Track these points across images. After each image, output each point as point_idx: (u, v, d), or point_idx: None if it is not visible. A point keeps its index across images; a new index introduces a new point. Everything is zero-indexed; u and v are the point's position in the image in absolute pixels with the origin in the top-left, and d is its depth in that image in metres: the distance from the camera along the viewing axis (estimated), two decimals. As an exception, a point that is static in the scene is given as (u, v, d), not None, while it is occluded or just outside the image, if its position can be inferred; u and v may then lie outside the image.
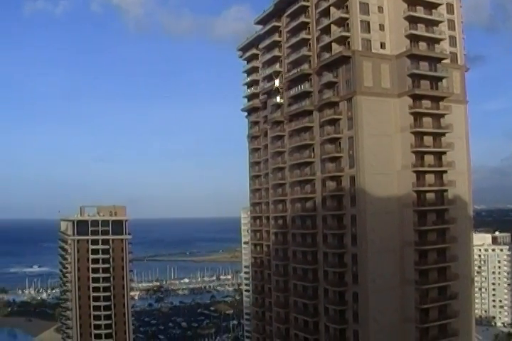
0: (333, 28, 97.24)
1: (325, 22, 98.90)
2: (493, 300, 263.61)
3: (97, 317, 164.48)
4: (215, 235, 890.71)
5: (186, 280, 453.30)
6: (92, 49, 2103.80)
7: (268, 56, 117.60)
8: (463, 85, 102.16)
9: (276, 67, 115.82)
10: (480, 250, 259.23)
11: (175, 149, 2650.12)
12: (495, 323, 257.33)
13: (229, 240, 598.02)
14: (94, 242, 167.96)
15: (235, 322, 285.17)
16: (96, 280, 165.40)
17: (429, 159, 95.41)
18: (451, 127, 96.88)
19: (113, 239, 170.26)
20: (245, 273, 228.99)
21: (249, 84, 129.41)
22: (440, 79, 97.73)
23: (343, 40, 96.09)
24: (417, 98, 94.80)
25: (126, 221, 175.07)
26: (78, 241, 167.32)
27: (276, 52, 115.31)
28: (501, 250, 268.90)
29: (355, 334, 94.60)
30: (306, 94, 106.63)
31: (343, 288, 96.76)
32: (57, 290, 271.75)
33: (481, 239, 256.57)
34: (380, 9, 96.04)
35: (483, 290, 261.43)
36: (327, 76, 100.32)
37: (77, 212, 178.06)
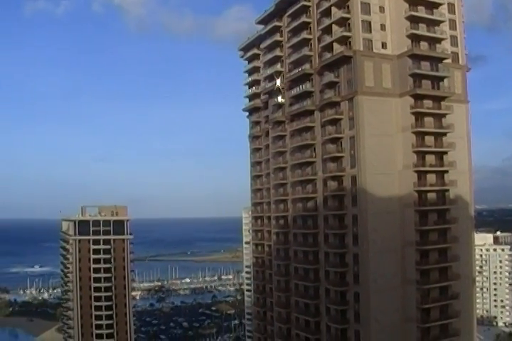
0: (335, 27, 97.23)
1: (326, 22, 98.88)
2: (495, 300, 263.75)
3: (99, 317, 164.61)
4: (216, 235, 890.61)
5: (187, 280, 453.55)
6: (93, 49, 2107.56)
7: (269, 56, 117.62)
8: (464, 85, 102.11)
9: (278, 67, 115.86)
10: (481, 250, 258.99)
11: (176, 149, 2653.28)
12: (496, 323, 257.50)
13: (230, 240, 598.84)
14: (96, 242, 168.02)
15: (237, 322, 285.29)
16: (97, 280, 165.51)
17: (430, 159, 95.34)
18: (453, 127, 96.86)
19: (114, 239, 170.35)
20: (246, 273, 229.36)
21: (251, 84, 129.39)
22: (441, 79, 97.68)
23: (344, 40, 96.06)
24: (418, 98, 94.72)
25: (127, 221, 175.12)
26: (79, 241, 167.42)
27: (277, 52, 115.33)
28: (503, 250, 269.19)
29: (356, 334, 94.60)
30: (308, 94, 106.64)
31: (345, 287, 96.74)
32: (59, 290, 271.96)
33: (482, 239, 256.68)
34: (382, 9, 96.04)
35: (484, 290, 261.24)
36: (328, 76, 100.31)
37: (78, 212, 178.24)
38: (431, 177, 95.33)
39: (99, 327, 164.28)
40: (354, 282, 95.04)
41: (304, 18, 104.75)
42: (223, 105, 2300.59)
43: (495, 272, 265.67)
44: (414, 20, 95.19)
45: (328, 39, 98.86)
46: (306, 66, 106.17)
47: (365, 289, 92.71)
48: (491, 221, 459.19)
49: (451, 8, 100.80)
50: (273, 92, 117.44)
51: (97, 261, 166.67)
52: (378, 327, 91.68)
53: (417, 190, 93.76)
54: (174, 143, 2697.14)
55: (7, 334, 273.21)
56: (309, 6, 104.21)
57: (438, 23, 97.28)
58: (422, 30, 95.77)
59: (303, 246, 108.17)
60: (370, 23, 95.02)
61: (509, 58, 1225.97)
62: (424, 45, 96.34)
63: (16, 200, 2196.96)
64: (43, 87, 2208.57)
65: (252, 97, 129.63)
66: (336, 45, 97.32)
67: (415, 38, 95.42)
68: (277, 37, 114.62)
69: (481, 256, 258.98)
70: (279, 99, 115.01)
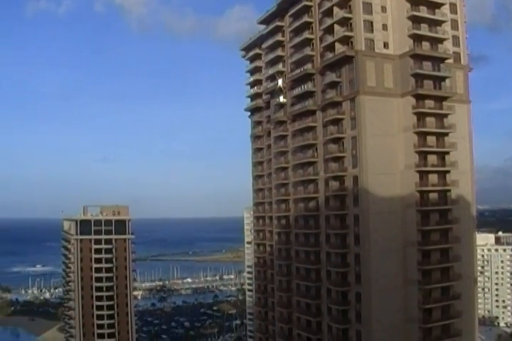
0: (337, 27, 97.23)
1: (328, 22, 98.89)
2: (496, 301, 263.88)
3: (100, 317, 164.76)
4: (218, 235, 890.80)
5: (189, 279, 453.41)
6: (95, 49, 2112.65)
7: (271, 56, 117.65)
8: (466, 85, 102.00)
9: (280, 66, 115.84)
10: (483, 250, 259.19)
11: (177, 149, 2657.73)
12: (498, 323, 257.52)
13: (231, 240, 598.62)
14: (97, 242, 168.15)
15: (238, 321, 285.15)
16: (99, 279, 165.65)
17: (432, 159, 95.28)
18: (455, 127, 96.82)
19: (116, 239, 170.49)
20: (248, 272, 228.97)
21: (253, 84, 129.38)
22: (443, 79, 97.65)
23: (346, 40, 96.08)
24: (420, 98, 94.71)
25: (129, 220, 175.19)
26: (81, 240, 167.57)
27: (279, 52, 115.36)
28: (504, 250, 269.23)
29: (357, 334, 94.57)
30: (309, 94, 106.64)
31: (346, 288, 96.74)
32: (60, 289, 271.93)
33: (484, 239, 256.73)
34: (384, 9, 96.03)
35: (486, 290, 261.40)
36: (330, 76, 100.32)
37: (80, 211, 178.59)
38: (433, 178, 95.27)
39: (100, 326, 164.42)
40: (356, 282, 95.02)
41: (305, 18, 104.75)
42: (225, 105, 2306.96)
43: (496, 272, 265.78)
44: (416, 20, 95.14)
45: (330, 39, 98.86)
46: (308, 66, 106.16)
47: (367, 289, 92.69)
48: (493, 221, 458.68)
49: (453, 8, 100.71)
50: (275, 92, 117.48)
51: (98, 260, 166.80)
52: (380, 327, 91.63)
53: (418, 190, 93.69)
54: (176, 143, 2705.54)
55: (9, 334, 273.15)
56: (311, 6, 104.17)
57: (440, 23, 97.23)
58: (424, 30, 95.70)
59: (304, 246, 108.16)
60: (372, 22, 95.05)
61: (511, 58, 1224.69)
62: (426, 45, 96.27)
63: (18, 200, 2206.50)
64: (45, 87, 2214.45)
65: (253, 97, 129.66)
66: (337, 45, 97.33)
67: (417, 38, 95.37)
68: (279, 37, 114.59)
69: (482, 256, 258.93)
70: (281, 98, 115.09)
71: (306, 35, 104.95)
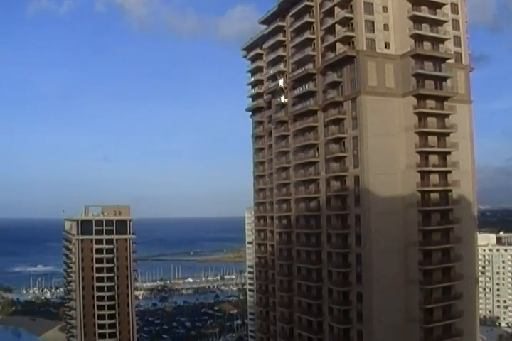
0: (338, 27, 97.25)
1: (329, 22, 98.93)
2: (498, 301, 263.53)
3: (101, 317, 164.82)
4: (219, 235, 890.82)
5: (190, 279, 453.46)
6: (96, 49, 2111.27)
7: (272, 56, 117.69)
8: (467, 85, 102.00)
9: (281, 66, 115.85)
10: (484, 250, 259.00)
11: (178, 149, 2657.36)
12: (499, 323, 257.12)
13: (232, 240, 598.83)
14: (99, 242, 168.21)
15: (239, 321, 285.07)
16: (100, 279, 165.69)
17: (433, 159, 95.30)
18: (456, 127, 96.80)
19: (117, 239, 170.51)
20: (249, 272, 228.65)
21: (254, 84, 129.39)
22: (444, 79, 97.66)
23: (347, 40, 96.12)
24: (421, 98, 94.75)
25: (130, 220, 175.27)
26: (82, 240, 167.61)
27: (280, 52, 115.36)
28: (506, 250, 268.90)
29: (359, 334, 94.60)
30: (311, 94, 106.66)
31: (347, 287, 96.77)
32: (62, 289, 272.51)
33: (485, 239, 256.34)
34: (385, 9, 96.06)
35: (487, 290, 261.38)
36: (331, 76, 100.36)
37: (81, 211, 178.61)
38: (434, 178, 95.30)
39: (101, 326, 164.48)
40: (357, 282, 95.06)
41: (307, 18, 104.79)
42: (226, 105, 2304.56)
43: (498, 272, 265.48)
44: (417, 20, 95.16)
45: (331, 39, 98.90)
46: (309, 66, 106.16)
47: (368, 289, 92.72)
48: (494, 221, 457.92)
49: (454, 8, 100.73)
50: (276, 92, 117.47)
51: (99, 260, 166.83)
52: (381, 327, 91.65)
53: (420, 190, 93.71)
54: (177, 142, 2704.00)
55: (10, 334, 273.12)
56: (312, 6, 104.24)
57: (441, 23, 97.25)
58: (425, 30, 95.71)
59: (306, 246, 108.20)
60: (373, 22, 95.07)
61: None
62: (427, 45, 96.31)
63: (19, 200, 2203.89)
64: (45, 87, 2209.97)
65: (255, 97, 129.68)
66: (339, 45, 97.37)
67: (418, 38, 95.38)
68: (280, 37, 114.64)
69: (484, 256, 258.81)
70: (282, 98, 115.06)
71: (308, 35, 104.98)
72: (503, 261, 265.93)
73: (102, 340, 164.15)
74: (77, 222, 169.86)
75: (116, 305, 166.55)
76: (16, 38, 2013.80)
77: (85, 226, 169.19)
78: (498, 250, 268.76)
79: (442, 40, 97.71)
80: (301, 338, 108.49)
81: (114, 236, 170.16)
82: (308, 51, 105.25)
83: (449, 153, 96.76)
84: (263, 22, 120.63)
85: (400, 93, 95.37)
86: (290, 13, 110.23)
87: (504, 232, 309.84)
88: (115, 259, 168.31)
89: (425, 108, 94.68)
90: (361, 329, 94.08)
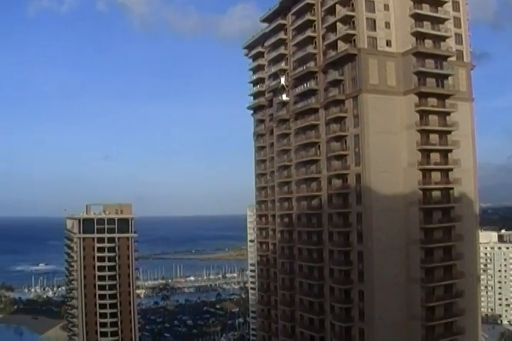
0: (339, 25, 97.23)
1: (331, 20, 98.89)
2: (499, 299, 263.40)
3: (103, 315, 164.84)
4: (221, 233, 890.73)
5: (192, 278, 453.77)
6: (97, 48, 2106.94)
7: (274, 54, 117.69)
8: (469, 83, 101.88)
9: (282, 65, 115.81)
10: (486, 248, 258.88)
11: (179, 147, 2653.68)
12: (501, 321, 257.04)
13: (234, 238, 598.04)
14: (100, 240, 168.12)
15: (241, 320, 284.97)
16: (102, 278, 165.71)
17: (435, 157, 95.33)
18: (457, 125, 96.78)
19: (119, 237, 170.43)
20: (251, 271, 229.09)
21: (255, 82, 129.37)
22: (446, 76, 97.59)
23: (348, 38, 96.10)
24: (422, 96, 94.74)
25: (132, 219, 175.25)
26: (84, 239, 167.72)
27: (281, 50, 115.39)
28: (507, 248, 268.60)
29: (360, 332, 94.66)
30: (312, 92, 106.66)
31: (349, 286, 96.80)
32: (63, 288, 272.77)
33: (487, 237, 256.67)
34: (386, 7, 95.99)
35: (489, 288, 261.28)
36: (333, 74, 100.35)
37: (83, 210, 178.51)
38: (435, 175, 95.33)
39: (103, 325, 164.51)
40: (358, 280, 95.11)
41: (308, 16, 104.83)
42: (228, 103, 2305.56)
43: (499, 270, 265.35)
44: (418, 18, 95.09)
45: (332, 37, 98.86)
46: (311, 64, 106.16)
47: (370, 287, 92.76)
48: (496, 219, 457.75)
49: (456, 5, 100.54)
50: (277, 90, 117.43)
51: (101, 259, 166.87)
52: (383, 325, 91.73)
53: (421, 188, 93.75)
54: (178, 141, 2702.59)
55: (12, 332, 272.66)
56: (313, 4, 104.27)
57: (442, 20, 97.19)
58: (427, 28, 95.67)
59: (307, 244, 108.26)
60: (374, 20, 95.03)
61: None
62: (428, 42, 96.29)
63: (20, 198, 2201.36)
64: (47, 86, 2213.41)
65: (256, 95, 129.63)
66: (340, 43, 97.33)
67: (420, 36, 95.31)
68: (282, 35, 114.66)
69: (485, 254, 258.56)
70: (284, 97, 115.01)
71: (309, 33, 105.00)
72: (505, 259, 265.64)
73: (104, 339, 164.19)
74: (79, 220, 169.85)
75: (118, 304, 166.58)
76: (18, 37, 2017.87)
77: (87, 224, 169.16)
78: (499, 248, 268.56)
79: (444, 38, 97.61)
80: (303, 336, 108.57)
81: (116, 235, 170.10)
82: (310, 49, 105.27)
83: (450, 150, 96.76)
84: (264, 20, 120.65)
85: (401, 91, 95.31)
86: (291, 11, 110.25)
87: (506, 230, 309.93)
88: (117, 258, 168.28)
89: (427, 106, 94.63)
90: (363, 328, 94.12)
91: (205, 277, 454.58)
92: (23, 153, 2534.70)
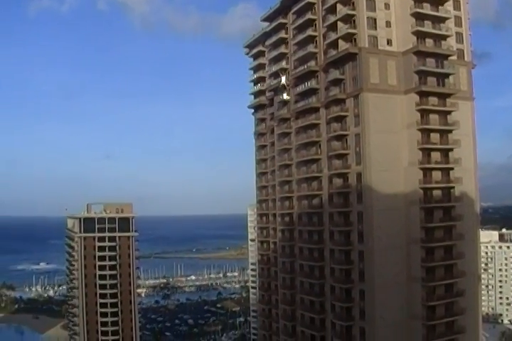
0: (340, 24, 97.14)
1: (331, 19, 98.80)
2: (500, 298, 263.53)
3: (104, 314, 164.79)
4: (221, 232, 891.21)
5: (193, 277, 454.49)
6: (98, 47, 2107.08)
7: (274, 53, 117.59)
8: (470, 82, 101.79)
9: (283, 64, 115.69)
10: (487, 247, 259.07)
11: (180, 147, 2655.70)
12: (502, 320, 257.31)
13: (235, 237, 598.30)
14: (101, 239, 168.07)
15: (242, 319, 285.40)
16: (103, 277, 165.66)
17: (435, 156, 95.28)
18: (458, 124, 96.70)
19: (120, 236, 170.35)
20: (252, 270, 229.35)
21: (256, 81, 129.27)
22: (447, 75, 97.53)
23: (349, 37, 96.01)
24: (423, 95, 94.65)
25: (132, 218, 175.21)
26: (85, 238, 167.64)
27: (282, 49, 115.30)
28: (508, 247, 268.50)
29: (361, 331, 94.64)
30: (313, 91, 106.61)
31: (350, 285, 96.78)
32: (64, 287, 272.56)
33: (487, 236, 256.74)
34: (387, 6, 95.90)
35: (490, 287, 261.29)
36: (334, 73, 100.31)
37: (83, 209, 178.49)
38: (436, 175, 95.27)
39: (104, 324, 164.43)
40: (359, 279, 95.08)
41: (309, 15, 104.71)
42: (228, 102, 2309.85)
43: (500, 269, 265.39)
44: (419, 17, 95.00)
45: (333, 36, 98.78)
46: (312, 63, 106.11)
47: (371, 286, 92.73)
48: (497, 218, 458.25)
49: (457, 4, 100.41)
50: (278, 89, 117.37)
51: (102, 258, 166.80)
52: (383, 324, 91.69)
53: (422, 187, 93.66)
54: (179, 140, 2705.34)
55: (13, 332, 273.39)
56: (314, 3, 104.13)
57: (443, 19, 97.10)
58: (428, 27, 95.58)
59: (308, 243, 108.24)
60: (375, 19, 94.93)
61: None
62: (429, 42, 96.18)
63: (21, 198, 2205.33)
64: (48, 86, 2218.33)
65: (257, 94, 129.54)
66: (341, 42, 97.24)
67: (420, 35, 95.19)
68: (282, 34, 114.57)
69: (486, 253, 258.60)
70: (285, 96, 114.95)
71: (310, 32, 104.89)
72: (506, 258, 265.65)
73: (105, 337, 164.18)
74: (80, 219, 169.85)
75: (119, 303, 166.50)
76: (18, 37, 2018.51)
77: (88, 223, 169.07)
78: (500, 247, 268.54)
79: (444, 37, 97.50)
80: (304, 335, 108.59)
81: (117, 234, 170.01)
82: (311, 48, 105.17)
83: (451, 150, 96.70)
84: (265, 19, 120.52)
85: (402, 90, 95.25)
86: (292, 11, 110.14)
87: (506, 229, 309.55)
88: (118, 257, 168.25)
89: (427, 105, 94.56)
90: (364, 327, 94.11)
91: (205, 276, 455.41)
92: (24, 152, 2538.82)
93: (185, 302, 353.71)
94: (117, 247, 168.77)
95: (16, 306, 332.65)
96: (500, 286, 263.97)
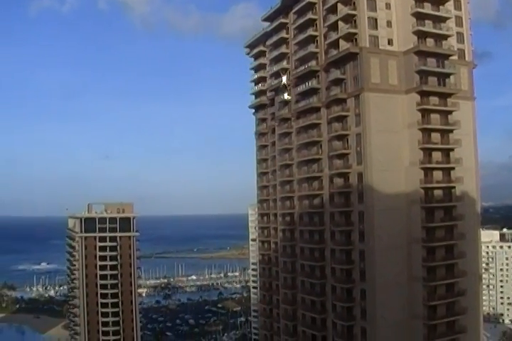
0: (341, 24, 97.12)
1: (332, 19, 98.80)
2: (501, 297, 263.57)
3: (105, 314, 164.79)
4: (222, 232, 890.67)
5: (194, 277, 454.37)
6: (98, 47, 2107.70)
7: (275, 53, 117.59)
8: (470, 82, 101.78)
9: (284, 63, 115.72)
10: (488, 247, 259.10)
11: (181, 146, 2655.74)
12: (503, 320, 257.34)
13: (236, 237, 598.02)
14: (102, 239, 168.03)
15: (243, 319, 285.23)
16: (103, 277, 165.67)
17: (436, 156, 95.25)
18: (459, 124, 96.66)
19: (120, 236, 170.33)
20: (253, 270, 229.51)
21: (257, 81, 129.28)
22: (448, 75, 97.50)
23: (350, 37, 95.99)
24: (424, 94, 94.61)
25: (133, 218, 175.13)
26: (86, 238, 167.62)
27: (283, 49, 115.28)
28: (509, 247, 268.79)
29: (362, 331, 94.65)
30: (314, 91, 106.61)
31: (351, 284, 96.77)
32: (65, 287, 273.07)
33: (488, 236, 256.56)
34: (388, 6, 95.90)
35: (490, 287, 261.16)
36: (334, 73, 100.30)
37: (84, 209, 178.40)
38: (437, 174, 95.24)
39: (105, 324, 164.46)
40: (360, 279, 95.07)
41: (309, 15, 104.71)
42: (229, 102, 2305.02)
43: (501, 269, 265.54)
44: (420, 16, 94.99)
45: (334, 36, 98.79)
46: (312, 63, 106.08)
47: (372, 286, 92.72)
48: (498, 218, 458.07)
49: (458, 4, 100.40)
50: (279, 89, 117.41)
51: (103, 258, 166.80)
52: (384, 324, 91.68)
53: (423, 187, 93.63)
54: (179, 140, 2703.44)
55: (14, 331, 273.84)
56: (315, 3, 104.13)
57: (444, 19, 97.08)
58: (428, 26, 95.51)
59: (309, 243, 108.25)
60: (376, 19, 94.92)
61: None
62: (430, 41, 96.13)
63: (22, 198, 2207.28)
64: (48, 85, 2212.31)
65: (258, 94, 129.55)
66: (342, 42, 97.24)
67: (421, 35, 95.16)
68: (283, 34, 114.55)
69: (487, 253, 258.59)
70: (285, 96, 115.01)
71: (311, 32, 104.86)
72: (507, 258, 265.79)
73: (106, 337, 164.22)
74: (81, 219, 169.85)
75: (120, 303, 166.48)
76: (19, 37, 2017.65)
77: (89, 223, 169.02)
78: (501, 247, 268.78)
79: (445, 37, 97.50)
80: (305, 335, 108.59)
81: (118, 234, 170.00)
82: (312, 48, 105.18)
83: (452, 149, 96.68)
84: (266, 19, 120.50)
85: (403, 90, 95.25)
86: (293, 10, 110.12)
87: (507, 229, 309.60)
88: (119, 257, 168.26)
89: (428, 104, 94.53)
90: (365, 326, 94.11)
91: (206, 276, 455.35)
92: (24, 152, 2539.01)
93: (186, 302, 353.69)
94: (118, 247, 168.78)
95: (17, 306, 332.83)
96: (501, 286, 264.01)
